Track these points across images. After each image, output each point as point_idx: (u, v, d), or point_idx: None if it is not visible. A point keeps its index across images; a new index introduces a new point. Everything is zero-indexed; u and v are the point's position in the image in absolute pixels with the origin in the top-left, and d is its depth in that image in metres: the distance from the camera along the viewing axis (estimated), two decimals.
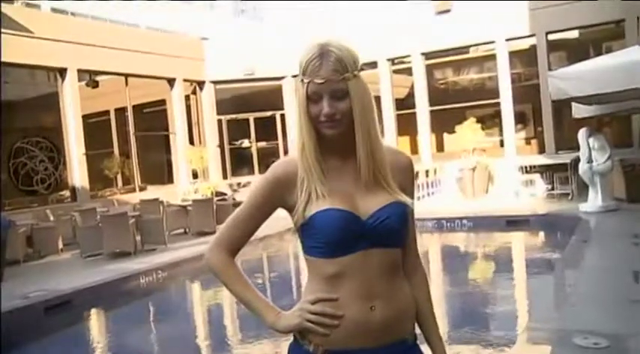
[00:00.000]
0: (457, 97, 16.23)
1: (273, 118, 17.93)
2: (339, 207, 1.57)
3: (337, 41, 1.61)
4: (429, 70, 16.34)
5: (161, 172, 17.34)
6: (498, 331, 5.75)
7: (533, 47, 14.72)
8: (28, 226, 10.68)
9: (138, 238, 10.48)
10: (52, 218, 11.44)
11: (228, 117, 17.77)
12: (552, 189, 13.20)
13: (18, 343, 6.50)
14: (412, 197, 1.71)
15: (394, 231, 1.60)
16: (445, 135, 17.04)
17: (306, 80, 1.58)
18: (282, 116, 17.69)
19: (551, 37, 14.50)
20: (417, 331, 1.75)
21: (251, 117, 17.91)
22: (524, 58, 15.55)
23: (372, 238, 1.57)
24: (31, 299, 7.19)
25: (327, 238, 1.58)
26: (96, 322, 7.75)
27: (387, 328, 1.59)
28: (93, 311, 7.76)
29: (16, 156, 13.36)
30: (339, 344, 1.58)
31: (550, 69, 13.36)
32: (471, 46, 15.88)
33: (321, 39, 1.60)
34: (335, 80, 1.56)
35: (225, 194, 13.96)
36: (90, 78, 14.91)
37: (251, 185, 1.71)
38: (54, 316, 7.03)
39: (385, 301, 1.58)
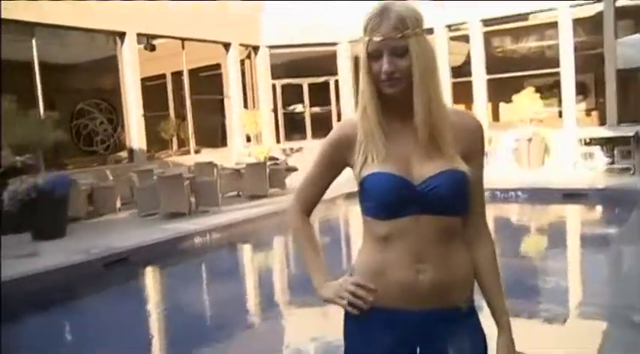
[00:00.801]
0: (515, 66, 15.74)
1: (326, 83, 17.84)
2: (391, 171, 1.58)
3: (400, 1, 1.59)
4: (487, 37, 15.86)
5: (215, 135, 17.59)
6: (552, 305, 5.66)
7: (599, 14, 14.08)
8: (89, 185, 11.06)
9: (192, 199, 10.73)
10: (110, 178, 11.81)
11: (283, 82, 17.79)
12: (612, 163, 12.75)
13: (79, 295, 6.84)
14: (480, 163, 1.67)
15: (446, 199, 1.56)
16: (502, 104, 16.60)
17: (366, 38, 1.57)
18: (336, 82, 17.58)
19: (618, 3, 13.83)
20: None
21: (305, 82, 17.87)
22: (588, 25, 14.89)
23: (423, 205, 1.56)
24: (91, 255, 7.50)
25: (377, 200, 1.61)
26: (151, 279, 8.04)
27: (435, 293, 1.58)
28: (149, 268, 8.04)
29: (77, 117, 13.79)
30: (384, 302, 1.62)
31: (617, 37, 12.79)
32: (532, 13, 15.30)
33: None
34: (394, 37, 1.53)
35: (278, 159, 14.07)
36: (147, 42, 15.13)
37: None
38: (112, 272, 7.32)
39: (434, 267, 1.57)
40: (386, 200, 1.60)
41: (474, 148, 1.65)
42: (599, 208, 10.91)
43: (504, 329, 1.67)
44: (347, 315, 1.71)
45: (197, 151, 15.75)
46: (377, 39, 1.55)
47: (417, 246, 1.57)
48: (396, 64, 1.55)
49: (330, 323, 5.52)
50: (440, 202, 1.56)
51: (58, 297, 6.61)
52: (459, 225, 1.63)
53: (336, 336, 5.20)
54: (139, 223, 10.02)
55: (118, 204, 11.45)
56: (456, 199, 1.58)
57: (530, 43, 16.34)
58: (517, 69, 15.47)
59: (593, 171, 12.80)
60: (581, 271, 6.89)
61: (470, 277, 1.66)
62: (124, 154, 14.59)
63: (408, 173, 1.58)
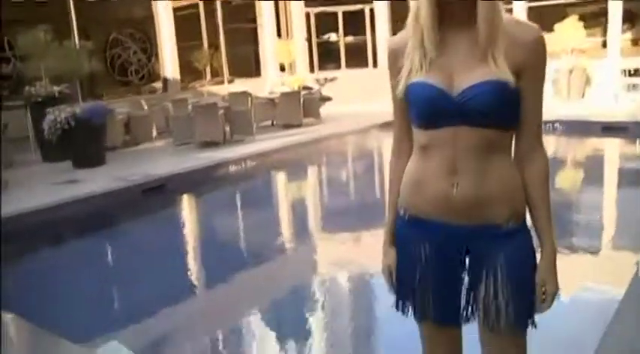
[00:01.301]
0: None
1: (362, 12, 17.40)
2: (430, 81, 1.55)
3: None
4: None
5: (249, 64, 17.48)
6: (586, 238, 5.64)
7: None
8: (125, 114, 11.20)
9: (227, 128, 10.80)
10: (145, 108, 11.92)
11: (317, 10, 17.41)
12: None
13: (119, 220, 7.07)
14: (538, 76, 1.57)
15: (484, 110, 1.50)
16: (543, 33, 16.02)
17: None
18: (371, 10, 17.13)
19: None
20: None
21: (339, 10, 17.45)
22: None
23: (461, 116, 1.52)
24: (129, 181, 7.69)
25: (417, 110, 1.61)
26: (187, 205, 8.23)
27: (470, 208, 1.57)
28: (185, 195, 8.22)
29: (112, 47, 13.82)
30: (421, 212, 1.65)
31: None
32: None
33: None
34: None
35: (312, 88, 13.97)
36: None
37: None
38: (150, 198, 7.52)
39: (470, 180, 1.54)
40: (423, 110, 1.59)
41: (530, 61, 1.55)
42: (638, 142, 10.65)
43: (546, 253, 1.62)
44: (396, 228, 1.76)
45: (230, 81, 15.73)
46: None
47: (453, 158, 1.55)
48: None
49: (364, 250, 5.65)
50: (478, 114, 1.51)
51: (99, 222, 6.86)
52: (504, 139, 1.58)
53: (369, 263, 5.31)
54: (174, 152, 10.18)
55: (154, 133, 11.60)
56: (496, 111, 1.52)
57: None
58: None
59: (635, 103, 12.40)
60: (617, 206, 6.81)
61: (513, 194, 1.60)
62: (158, 84, 14.68)
63: (449, 84, 1.54)
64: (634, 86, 12.79)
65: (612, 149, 10.35)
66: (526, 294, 1.63)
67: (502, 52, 1.51)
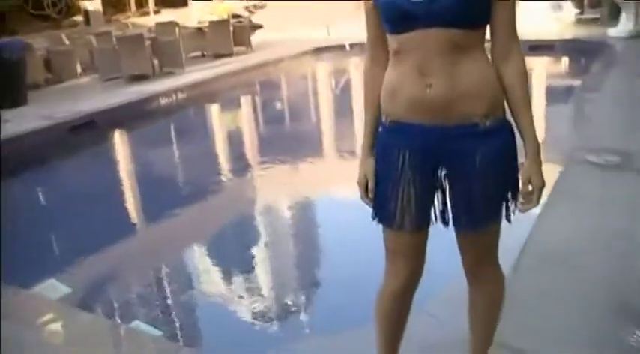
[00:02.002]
0: None
1: None
2: None
3: None
4: None
5: None
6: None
7: None
8: (45, 49, 10.60)
9: (155, 61, 10.44)
10: (67, 42, 11.30)
11: None
12: (581, 13, 12.62)
13: (46, 159, 6.80)
14: None
15: (452, 9, 1.50)
16: None
17: None
18: None
19: None
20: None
21: None
22: None
23: (429, 17, 1.51)
24: (55, 119, 7.37)
25: (386, 15, 1.61)
26: (119, 141, 8.00)
27: (445, 107, 1.57)
28: (116, 131, 7.97)
29: None
30: (399, 116, 1.65)
31: None
32: None
33: None
34: None
35: (242, 16, 13.56)
36: None
37: None
38: (78, 135, 7.25)
39: (443, 80, 1.55)
40: (391, 15, 1.58)
41: None
42: (565, 60, 10.97)
43: (530, 150, 1.65)
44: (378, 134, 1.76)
45: (157, 12, 15.10)
46: None
47: (424, 60, 1.55)
48: None
49: (303, 178, 5.70)
50: (445, 14, 1.50)
51: (27, 163, 6.58)
52: (474, 38, 1.58)
53: (308, 190, 5.36)
54: (102, 88, 9.78)
55: (79, 69, 11.07)
56: (462, 10, 1.51)
57: None
58: None
59: (561, 22, 12.67)
60: (545, 119, 7.05)
61: (488, 91, 1.60)
62: (79, 17, 13.91)
63: None
64: (559, 6, 13.01)
65: (539, 67, 10.62)
66: (503, 191, 1.67)
67: None
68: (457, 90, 1.56)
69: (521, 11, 13.59)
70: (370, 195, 1.77)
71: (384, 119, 1.72)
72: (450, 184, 1.68)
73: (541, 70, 10.50)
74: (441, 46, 1.53)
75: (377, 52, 1.73)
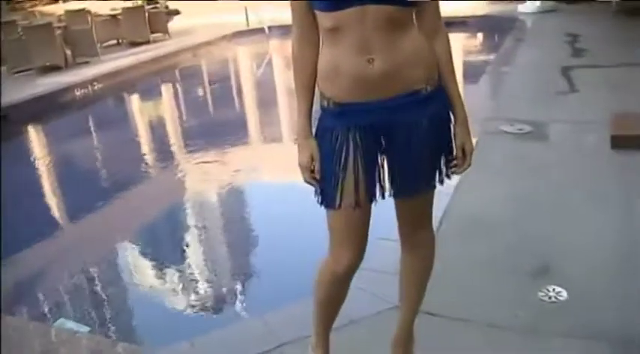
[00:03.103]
0: None
1: None
2: None
3: None
4: None
5: None
6: None
7: None
8: None
9: (68, 51, 9.99)
10: None
11: None
12: None
13: None
14: None
15: None
16: None
17: None
18: None
19: None
20: None
21: None
22: None
23: None
24: None
25: None
26: (34, 135, 7.67)
27: (389, 80, 1.60)
28: (31, 125, 7.62)
29: None
30: (343, 97, 1.66)
31: None
32: None
33: None
34: None
35: (157, 2, 13.20)
36: None
37: None
38: None
39: (384, 54, 1.58)
40: None
41: None
42: (479, 35, 11.33)
43: (460, 117, 1.76)
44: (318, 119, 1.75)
45: (66, 0, 14.44)
46: None
47: (363, 37, 1.56)
48: None
49: (228, 167, 5.65)
50: None
51: None
52: (409, 14, 1.62)
53: (233, 180, 5.31)
54: (12, 81, 9.28)
55: None
56: None
57: None
58: None
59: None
60: (462, 94, 7.29)
61: (426, 60, 1.67)
62: None
63: None
64: None
65: (455, 43, 10.88)
66: (439, 155, 1.76)
67: None
68: (398, 62, 1.60)
69: None
70: (317, 176, 1.76)
71: (325, 103, 1.71)
72: (391, 154, 1.72)
73: (457, 46, 10.81)
74: (379, 22, 1.56)
75: (306, 32, 1.71)
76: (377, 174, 1.75)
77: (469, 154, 1.77)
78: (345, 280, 1.87)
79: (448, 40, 1.72)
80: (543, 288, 2.50)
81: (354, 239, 1.80)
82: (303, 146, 1.77)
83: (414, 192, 1.78)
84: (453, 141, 1.77)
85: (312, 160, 1.75)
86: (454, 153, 1.78)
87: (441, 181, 1.80)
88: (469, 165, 1.79)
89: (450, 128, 1.76)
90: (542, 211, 3.29)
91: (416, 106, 1.66)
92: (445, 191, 3.03)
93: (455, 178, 1.88)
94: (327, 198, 1.75)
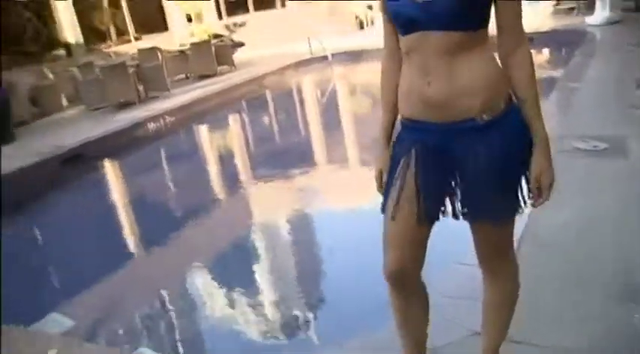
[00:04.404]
0: None
1: None
2: None
3: None
4: None
5: (154, 19, 16.79)
6: None
7: None
8: (28, 85, 10.60)
9: (140, 87, 10.45)
10: (50, 76, 11.32)
11: None
12: (558, 4, 12.74)
13: (40, 194, 6.79)
14: None
15: (449, 14, 1.55)
16: None
17: None
18: None
19: None
20: None
21: None
22: None
23: (428, 21, 1.58)
24: (45, 154, 7.34)
25: (393, 19, 1.71)
26: (111, 170, 7.99)
27: (443, 105, 1.63)
28: (107, 160, 7.95)
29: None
30: (408, 113, 1.75)
31: None
32: None
33: None
34: None
35: (223, 35, 13.63)
36: None
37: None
38: (71, 168, 7.23)
39: (441, 79, 1.61)
40: (396, 19, 1.68)
41: None
42: (545, 51, 11.06)
43: (537, 145, 1.65)
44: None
45: (137, 39, 15.14)
46: None
47: (425, 60, 1.63)
48: None
49: (298, 195, 5.70)
50: (442, 19, 1.56)
51: (21, 200, 6.55)
52: (474, 39, 1.61)
53: (304, 206, 5.34)
54: (88, 118, 9.78)
55: (64, 102, 11.09)
56: (459, 13, 1.55)
57: None
58: None
59: (538, 15, 12.78)
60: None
61: (484, 90, 1.62)
62: (60, 51, 13.91)
63: None
64: None
65: None
66: (510, 185, 1.69)
67: None
68: (452, 88, 1.61)
69: None
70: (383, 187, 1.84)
71: (400, 117, 1.81)
72: (452, 178, 1.72)
73: None
74: (438, 47, 1.60)
75: (392, 51, 1.82)
76: (437, 194, 1.73)
77: (546, 189, 1.65)
78: (399, 290, 1.85)
79: (528, 59, 1.65)
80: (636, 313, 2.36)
81: (399, 245, 1.78)
82: (376, 158, 1.89)
83: (477, 218, 1.74)
84: (527, 171, 1.67)
85: (382, 172, 1.85)
86: (530, 184, 1.67)
87: (513, 212, 1.73)
88: (546, 199, 1.67)
89: (518, 157, 1.67)
90: (626, 232, 3.13)
91: (473, 133, 1.64)
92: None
93: None
94: (383, 205, 1.81)
